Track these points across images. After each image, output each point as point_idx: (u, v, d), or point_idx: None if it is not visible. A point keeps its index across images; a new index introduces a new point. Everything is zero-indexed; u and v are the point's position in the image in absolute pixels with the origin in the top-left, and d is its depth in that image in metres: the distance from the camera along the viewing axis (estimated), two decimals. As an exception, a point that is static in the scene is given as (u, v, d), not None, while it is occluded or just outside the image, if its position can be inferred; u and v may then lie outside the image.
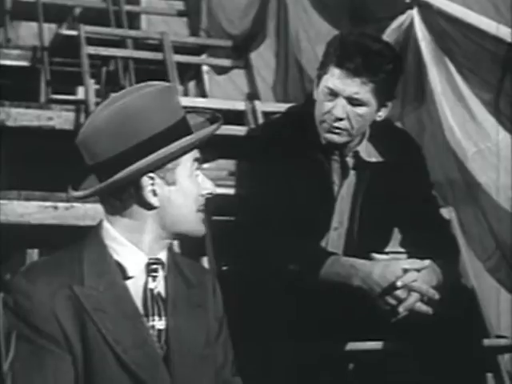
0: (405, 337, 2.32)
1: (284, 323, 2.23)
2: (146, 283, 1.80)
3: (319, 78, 2.44)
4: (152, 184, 1.77)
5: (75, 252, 1.80)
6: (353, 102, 2.38)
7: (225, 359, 1.93)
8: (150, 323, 1.79)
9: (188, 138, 1.77)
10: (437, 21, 3.52)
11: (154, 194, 1.77)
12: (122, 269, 1.79)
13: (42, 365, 1.71)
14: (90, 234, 1.84)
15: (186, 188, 1.80)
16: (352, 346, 2.39)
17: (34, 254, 3.21)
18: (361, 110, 2.39)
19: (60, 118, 4.57)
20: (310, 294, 2.29)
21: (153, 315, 1.80)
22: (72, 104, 4.91)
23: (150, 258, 1.81)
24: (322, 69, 2.43)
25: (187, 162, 1.79)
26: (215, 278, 1.98)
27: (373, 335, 2.40)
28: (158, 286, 1.82)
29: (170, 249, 1.88)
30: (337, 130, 2.41)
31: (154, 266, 1.81)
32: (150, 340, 1.77)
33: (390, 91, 2.44)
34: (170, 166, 1.77)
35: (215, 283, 1.96)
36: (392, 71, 2.40)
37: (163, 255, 1.84)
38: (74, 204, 3.17)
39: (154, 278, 1.81)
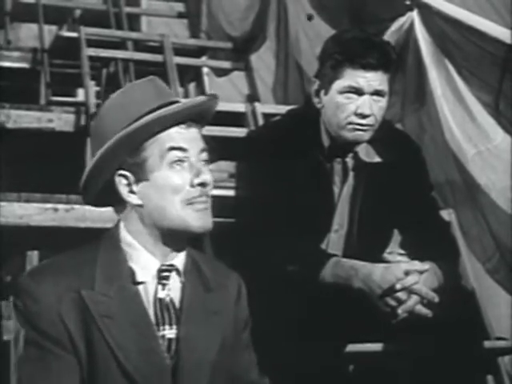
0: (405, 339, 2.32)
1: (284, 325, 2.23)
2: (156, 291, 1.77)
3: (329, 83, 2.42)
4: (127, 183, 1.75)
5: (89, 254, 1.77)
6: (375, 95, 2.39)
7: (249, 363, 1.90)
8: (161, 332, 1.76)
9: (134, 124, 1.71)
10: (437, 22, 3.52)
11: (131, 192, 1.75)
12: (132, 274, 1.76)
13: (47, 368, 1.69)
14: (106, 236, 1.81)
15: (161, 181, 1.73)
16: (352, 347, 2.39)
17: (33, 256, 3.21)
18: (381, 102, 2.42)
19: (60, 120, 4.58)
20: (310, 296, 2.29)
21: (163, 324, 1.76)
22: (72, 106, 4.91)
23: (163, 264, 1.78)
24: (331, 75, 2.41)
25: (155, 154, 1.73)
26: (241, 280, 1.93)
27: (373, 337, 2.39)
28: (171, 293, 1.78)
29: (188, 252, 1.83)
30: (364, 128, 2.41)
31: (165, 274, 1.77)
32: (157, 349, 1.74)
33: (392, 77, 2.47)
34: (137, 160, 1.73)
35: (241, 286, 1.92)
36: (395, 58, 2.44)
37: (179, 261, 1.80)
38: (74, 206, 3.17)
39: (164, 285, 1.77)
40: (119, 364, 1.70)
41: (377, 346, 2.40)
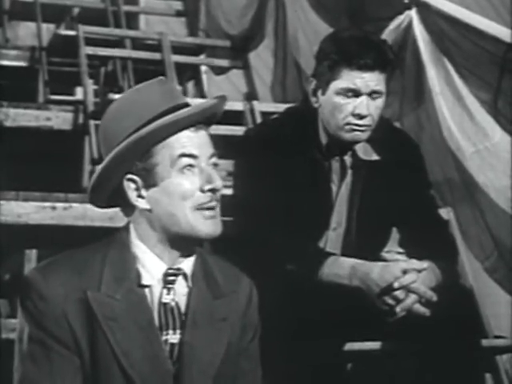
0: (403, 337, 2.32)
1: (282, 324, 2.23)
2: (161, 295, 1.76)
3: (326, 83, 2.42)
4: (136, 188, 1.73)
5: (99, 253, 1.75)
6: (372, 95, 2.39)
7: (254, 378, 1.87)
8: (164, 337, 1.74)
9: (144, 129, 1.70)
10: (435, 21, 3.53)
11: (140, 196, 1.74)
12: (138, 276, 1.74)
13: (50, 366, 1.69)
14: (116, 236, 1.79)
15: (170, 187, 1.72)
16: (350, 346, 2.39)
17: (32, 255, 3.20)
18: (378, 102, 2.41)
19: (58, 119, 4.58)
20: (308, 295, 2.29)
21: (166, 329, 1.75)
22: (70, 104, 4.92)
23: (169, 268, 1.76)
24: (328, 75, 2.40)
25: (166, 160, 1.72)
26: (253, 286, 1.91)
27: (371, 335, 2.39)
28: (176, 298, 1.76)
29: (200, 256, 1.82)
30: (362, 128, 2.41)
31: (171, 278, 1.76)
32: (161, 354, 1.73)
33: (389, 76, 2.46)
34: (146, 165, 1.72)
35: (252, 291, 1.90)
36: (394, 56, 2.44)
37: (186, 265, 1.78)
38: (73, 204, 3.16)
39: (169, 290, 1.76)
40: (121, 368, 1.69)
41: (375, 345, 2.40)
